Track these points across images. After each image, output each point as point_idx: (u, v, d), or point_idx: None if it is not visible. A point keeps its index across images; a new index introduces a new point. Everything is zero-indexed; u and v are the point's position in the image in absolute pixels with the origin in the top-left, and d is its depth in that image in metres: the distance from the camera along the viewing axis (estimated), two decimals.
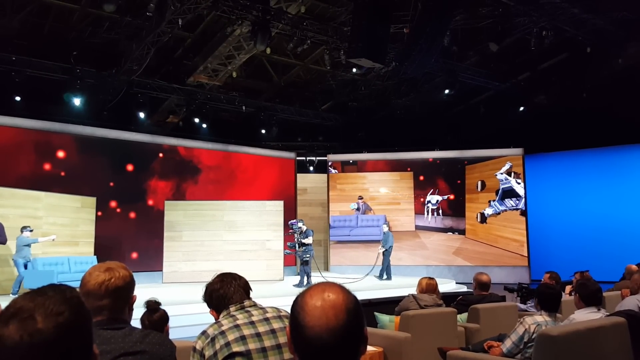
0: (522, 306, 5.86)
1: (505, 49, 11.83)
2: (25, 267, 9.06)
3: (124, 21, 10.64)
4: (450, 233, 14.70)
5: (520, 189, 14.22)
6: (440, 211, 14.81)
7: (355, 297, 1.12)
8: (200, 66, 12.18)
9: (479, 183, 14.64)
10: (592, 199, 13.87)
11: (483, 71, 13.00)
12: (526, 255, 13.91)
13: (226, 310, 2.20)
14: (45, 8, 10.68)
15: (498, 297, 5.59)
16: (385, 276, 12.11)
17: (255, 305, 2.23)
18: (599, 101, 12.08)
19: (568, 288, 6.34)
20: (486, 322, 4.90)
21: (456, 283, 12.21)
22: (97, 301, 1.69)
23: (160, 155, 13.28)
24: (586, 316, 3.65)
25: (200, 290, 2.38)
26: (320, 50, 12.00)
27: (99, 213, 11.64)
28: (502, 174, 14.42)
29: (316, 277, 10.26)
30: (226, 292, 2.27)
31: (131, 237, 12.34)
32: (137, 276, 1.89)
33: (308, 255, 10.67)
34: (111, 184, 12.24)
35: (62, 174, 11.52)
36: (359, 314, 1.10)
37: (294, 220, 11.22)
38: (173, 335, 2.68)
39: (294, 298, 1.14)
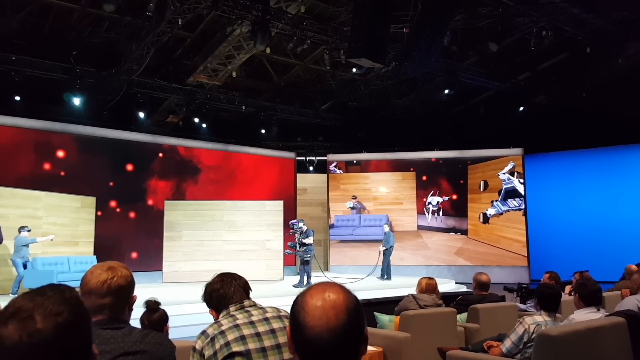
0: (522, 306, 5.86)
1: (505, 49, 11.84)
2: (25, 266, 9.06)
3: (124, 21, 10.63)
4: (453, 233, 14.69)
5: (522, 189, 14.24)
6: (441, 212, 14.81)
7: (355, 297, 1.12)
8: (200, 66, 12.18)
9: (482, 183, 14.63)
10: (592, 199, 13.87)
11: (483, 71, 12.99)
12: (526, 255, 13.92)
13: (226, 310, 2.20)
14: (45, 8, 10.68)
15: (498, 297, 5.59)
16: (385, 276, 12.12)
17: (255, 305, 2.23)
18: (599, 101, 12.07)
19: (568, 288, 6.34)
20: (486, 322, 4.90)
21: (456, 283, 12.20)
22: (99, 299, 1.69)
23: (160, 155, 13.28)
24: (586, 316, 3.65)
25: (200, 290, 2.38)
26: (320, 50, 12.00)
27: (99, 213, 11.63)
28: (504, 173, 14.40)
29: (318, 277, 10.25)
30: (226, 292, 2.27)
31: (131, 237, 12.34)
32: (136, 276, 1.89)
33: (309, 255, 10.67)
34: (111, 183, 12.24)
35: (62, 173, 11.52)
36: (360, 314, 1.10)
37: (295, 220, 11.22)
38: (172, 335, 2.68)
39: (293, 298, 1.14)
